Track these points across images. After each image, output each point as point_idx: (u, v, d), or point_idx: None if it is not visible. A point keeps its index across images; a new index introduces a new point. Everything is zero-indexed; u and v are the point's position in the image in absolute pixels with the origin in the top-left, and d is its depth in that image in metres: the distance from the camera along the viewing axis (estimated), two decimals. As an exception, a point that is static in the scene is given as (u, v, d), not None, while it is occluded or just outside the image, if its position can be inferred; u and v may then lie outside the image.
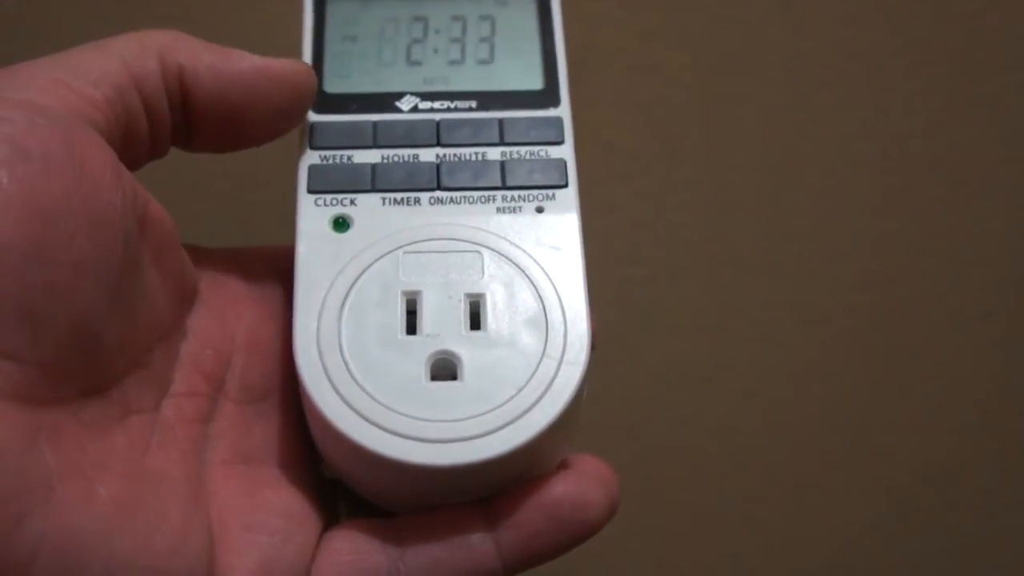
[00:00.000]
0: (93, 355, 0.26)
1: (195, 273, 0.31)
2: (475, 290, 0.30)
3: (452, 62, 0.35)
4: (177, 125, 0.31)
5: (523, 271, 0.30)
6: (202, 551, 0.27)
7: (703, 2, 0.52)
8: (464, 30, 0.36)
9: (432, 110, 0.33)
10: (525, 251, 0.31)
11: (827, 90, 0.54)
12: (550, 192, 0.32)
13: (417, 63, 0.35)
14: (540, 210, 0.32)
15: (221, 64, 0.30)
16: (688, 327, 0.55)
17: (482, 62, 0.35)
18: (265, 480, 0.30)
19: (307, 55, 0.34)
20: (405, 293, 0.30)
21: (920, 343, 0.57)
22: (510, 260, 0.31)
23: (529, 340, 0.29)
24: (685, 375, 0.55)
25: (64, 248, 0.25)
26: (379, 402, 0.28)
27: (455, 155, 0.32)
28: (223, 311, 0.32)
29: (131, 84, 0.29)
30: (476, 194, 0.32)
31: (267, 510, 0.29)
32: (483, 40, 0.35)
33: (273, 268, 0.33)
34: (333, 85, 0.34)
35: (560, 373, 0.29)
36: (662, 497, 0.56)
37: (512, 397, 0.28)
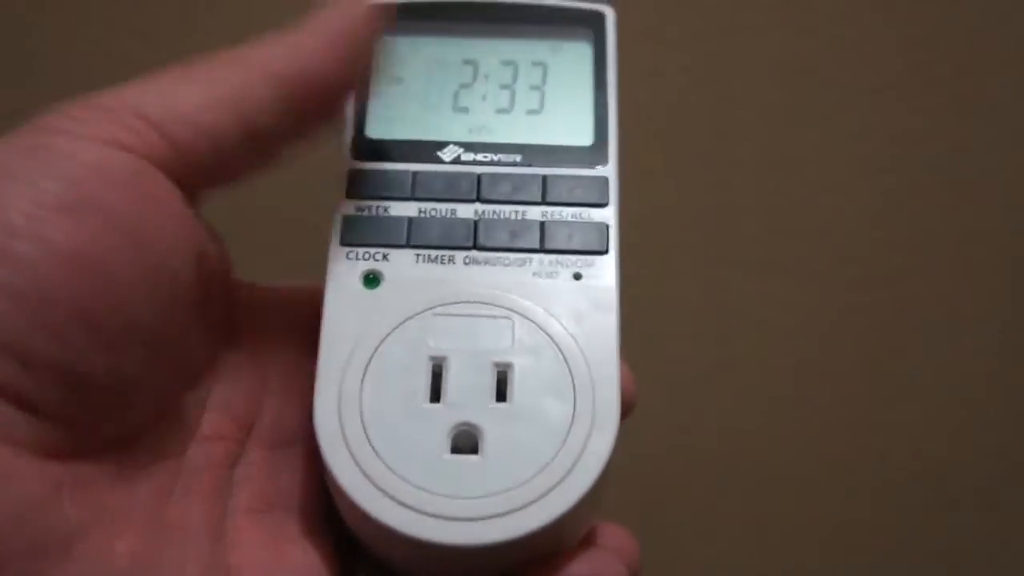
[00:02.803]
0: (125, 411, 0.26)
1: (237, 313, 0.31)
2: (503, 359, 0.29)
3: (500, 110, 0.34)
4: (259, 154, 0.29)
5: (555, 341, 0.29)
6: None
7: (703, 2, 0.51)
8: (515, 76, 0.34)
9: (475, 162, 0.32)
10: (558, 320, 0.30)
11: (827, 90, 0.55)
12: (589, 259, 0.31)
13: (464, 110, 0.34)
14: (577, 276, 0.31)
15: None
16: (688, 327, 0.55)
17: (531, 112, 0.34)
18: (287, 533, 0.30)
19: (351, 96, 0.33)
20: (432, 358, 0.29)
21: (920, 343, 0.58)
22: (542, 329, 0.30)
23: (556, 415, 0.28)
24: (685, 375, 0.55)
25: (113, 312, 0.24)
26: (397, 473, 0.27)
27: (494, 212, 0.31)
28: (260, 353, 0.31)
29: (226, 118, 0.27)
30: (512, 256, 0.31)
31: (288, 568, 0.28)
32: (533, 88, 0.34)
33: (314, 309, 0.33)
34: (376, 130, 0.33)
35: (586, 451, 0.28)
36: (662, 497, 0.56)
37: (535, 475, 0.27)
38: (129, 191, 0.25)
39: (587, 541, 0.30)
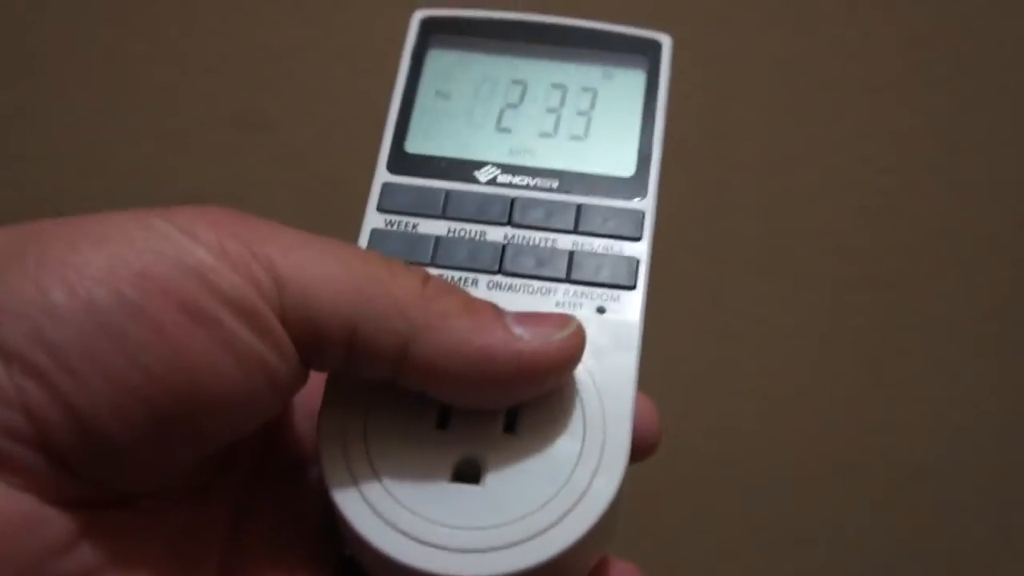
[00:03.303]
0: (161, 475, 0.26)
1: None
2: None
3: (543, 134, 0.33)
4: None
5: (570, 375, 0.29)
6: None
7: (703, 2, 0.50)
8: (563, 100, 0.34)
9: (511, 185, 0.32)
10: None
11: (827, 90, 0.55)
12: (615, 293, 0.30)
13: (507, 130, 0.33)
14: (601, 311, 0.30)
15: None
16: (688, 327, 0.55)
17: (575, 138, 0.33)
18: (293, 561, 0.29)
19: (395, 106, 0.33)
20: None
21: (920, 343, 0.57)
22: None
23: (563, 449, 0.28)
24: (685, 375, 0.55)
25: (195, 421, 0.24)
26: (398, 501, 0.27)
27: (523, 238, 0.31)
28: None
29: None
30: (537, 283, 0.30)
31: None
32: (580, 114, 0.33)
33: None
34: (415, 145, 0.33)
35: (590, 491, 0.27)
36: (662, 497, 0.56)
37: (537, 510, 0.27)
38: (250, 325, 0.24)
39: (599, 571, 0.29)
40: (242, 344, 0.24)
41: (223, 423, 0.25)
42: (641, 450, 0.29)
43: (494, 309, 0.27)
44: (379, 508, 0.27)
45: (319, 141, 0.52)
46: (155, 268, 0.23)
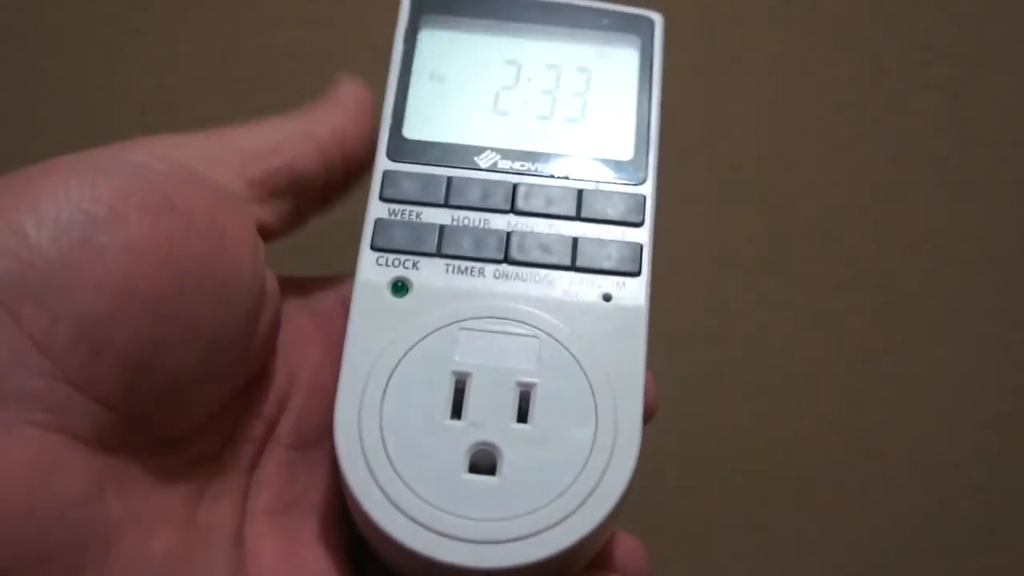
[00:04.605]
0: (180, 410, 0.26)
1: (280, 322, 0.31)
2: (527, 379, 0.29)
3: (540, 117, 0.33)
4: (320, 203, 0.32)
5: (580, 364, 0.29)
6: None
7: (703, 2, 0.51)
8: (558, 81, 0.34)
9: (511, 171, 0.32)
10: (585, 340, 0.30)
11: (827, 90, 0.55)
12: (620, 280, 0.30)
13: (503, 113, 0.33)
14: (607, 298, 0.30)
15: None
16: (688, 327, 0.56)
17: (571, 120, 0.33)
18: (302, 536, 0.30)
19: (391, 90, 0.33)
20: (455, 373, 0.29)
21: (920, 343, 0.58)
22: (568, 351, 0.29)
23: (577, 440, 0.28)
24: (684, 375, 0.56)
25: (187, 309, 0.25)
26: (412, 490, 0.27)
27: (527, 225, 0.31)
28: (288, 351, 0.31)
29: (291, 168, 0.30)
30: (543, 272, 0.30)
31: (301, 572, 0.29)
32: (576, 95, 0.34)
33: (343, 304, 0.33)
34: (413, 130, 0.32)
35: (605, 480, 0.28)
36: (661, 497, 0.57)
37: (553, 500, 0.27)
38: (204, 200, 0.27)
39: (601, 553, 0.30)
40: (201, 215, 0.26)
41: (219, 307, 0.26)
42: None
43: None
44: (396, 499, 0.27)
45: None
46: (106, 180, 0.25)
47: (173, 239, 0.25)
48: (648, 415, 0.30)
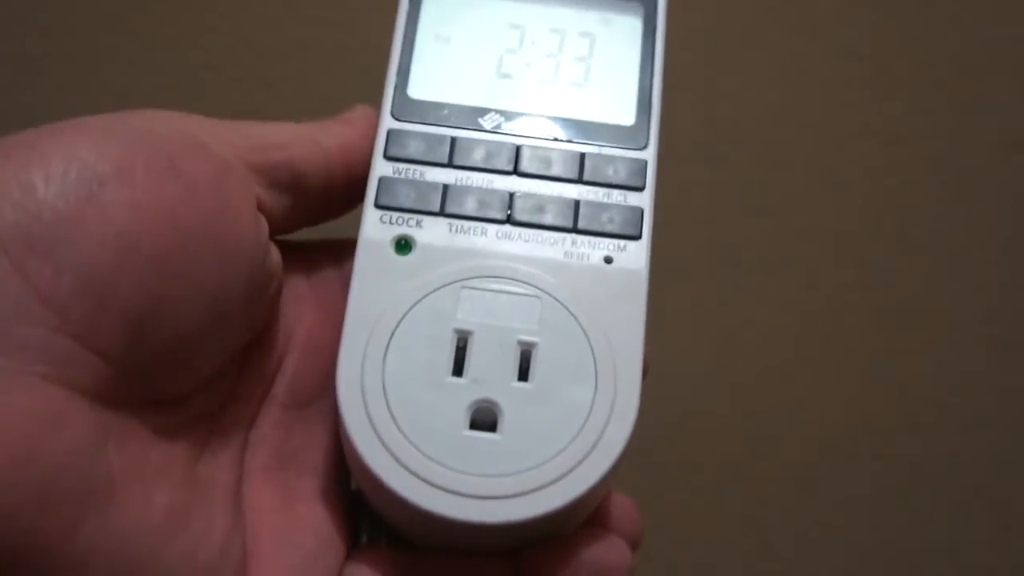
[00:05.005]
0: (181, 368, 0.27)
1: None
2: (528, 338, 0.29)
3: (543, 80, 0.33)
4: (318, 209, 0.32)
5: (581, 325, 0.30)
6: (239, 566, 0.27)
7: (703, 2, 0.51)
8: (561, 46, 0.34)
9: (514, 134, 0.32)
10: (586, 301, 0.30)
11: (827, 90, 0.55)
12: (621, 243, 0.31)
13: (507, 76, 0.33)
14: (608, 260, 0.31)
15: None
16: (688, 327, 0.56)
17: (575, 84, 0.33)
18: (299, 492, 0.30)
19: (396, 50, 0.33)
20: (457, 331, 0.29)
21: (920, 343, 0.58)
22: (569, 311, 0.30)
23: (576, 399, 0.29)
24: (684, 375, 0.56)
25: (189, 267, 0.26)
26: (414, 444, 0.28)
27: (530, 187, 0.31)
28: (284, 310, 0.31)
29: (292, 164, 0.30)
30: (545, 234, 0.31)
31: (299, 527, 0.29)
32: (579, 60, 0.34)
33: (339, 267, 0.33)
34: (417, 90, 0.33)
35: (605, 434, 0.28)
36: (661, 496, 0.57)
37: (552, 457, 0.28)
38: (209, 164, 0.27)
39: (598, 510, 0.30)
40: (205, 178, 0.27)
41: (221, 267, 0.27)
42: None
43: None
44: (397, 453, 0.27)
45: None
46: (113, 140, 0.26)
47: (177, 199, 0.26)
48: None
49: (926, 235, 0.57)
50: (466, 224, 0.31)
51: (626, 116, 0.33)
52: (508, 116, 0.32)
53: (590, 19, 0.34)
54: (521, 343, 0.29)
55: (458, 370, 0.29)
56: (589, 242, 0.31)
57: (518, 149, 0.32)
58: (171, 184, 0.26)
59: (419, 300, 0.29)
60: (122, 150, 0.25)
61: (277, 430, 0.31)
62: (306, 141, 0.31)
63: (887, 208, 0.56)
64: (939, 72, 0.55)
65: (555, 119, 0.32)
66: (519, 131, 0.32)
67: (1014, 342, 0.58)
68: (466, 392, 0.28)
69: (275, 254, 0.30)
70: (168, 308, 0.25)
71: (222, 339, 0.28)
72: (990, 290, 0.58)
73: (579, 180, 0.32)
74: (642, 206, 0.31)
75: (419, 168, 0.31)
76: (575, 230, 0.31)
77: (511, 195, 0.31)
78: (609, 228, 0.31)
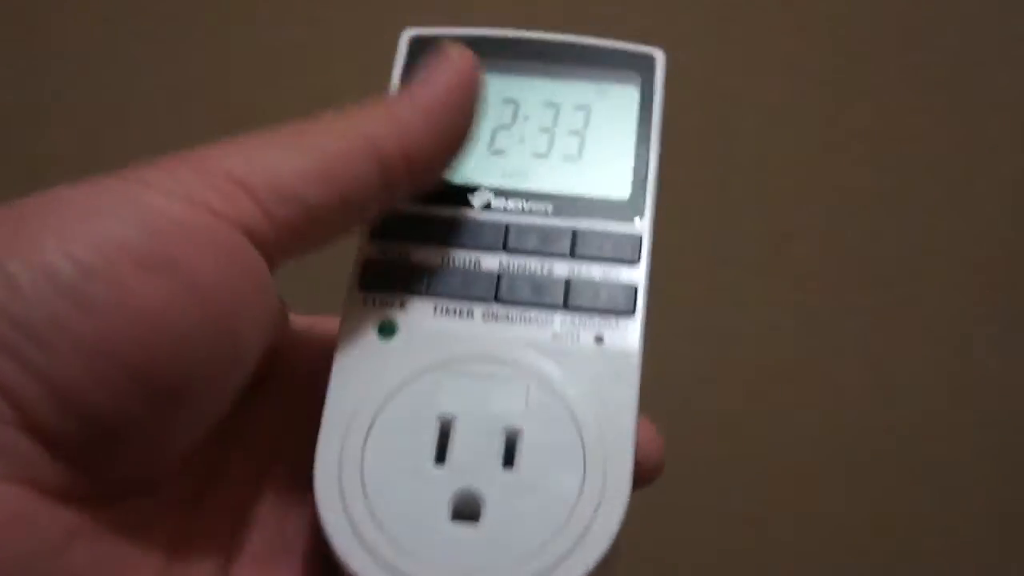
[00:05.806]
0: (155, 459, 0.26)
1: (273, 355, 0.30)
2: (514, 424, 0.28)
3: (536, 155, 0.33)
4: (348, 223, 0.29)
5: (570, 410, 0.28)
6: None
7: (703, 2, 0.51)
8: (555, 119, 0.33)
9: (505, 210, 0.31)
10: (575, 384, 0.29)
11: (827, 90, 0.55)
12: (613, 320, 0.30)
13: (500, 152, 0.33)
14: (599, 339, 0.29)
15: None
16: (687, 327, 0.55)
17: (568, 158, 0.32)
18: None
19: None
20: (440, 417, 0.28)
21: (920, 343, 0.58)
22: (557, 395, 0.28)
23: (564, 487, 0.27)
24: (684, 375, 0.55)
25: (174, 381, 0.24)
26: (392, 538, 0.27)
27: (519, 265, 0.30)
28: (287, 392, 0.31)
29: (327, 192, 0.26)
30: (533, 312, 0.30)
31: None
32: (573, 133, 0.33)
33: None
34: None
35: (591, 530, 0.27)
36: (661, 496, 0.56)
37: (536, 551, 0.26)
38: (214, 257, 0.24)
39: None
40: (207, 276, 0.24)
41: (209, 371, 0.25)
42: (642, 478, 0.29)
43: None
44: (376, 550, 0.26)
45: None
46: (104, 226, 0.23)
47: (169, 301, 0.23)
48: (654, 472, 0.29)
49: (926, 235, 0.57)
50: (452, 305, 0.30)
51: (621, 189, 0.32)
52: (498, 193, 0.32)
53: (586, 91, 0.34)
54: (506, 429, 0.28)
55: (441, 458, 0.28)
56: (579, 320, 0.30)
57: (507, 227, 0.31)
58: (165, 283, 0.23)
59: (401, 386, 0.29)
60: (112, 239, 0.23)
61: (271, 517, 0.29)
62: (357, 156, 0.27)
63: (887, 208, 0.56)
64: (939, 72, 0.55)
65: (547, 195, 0.32)
66: (510, 208, 0.31)
67: (1014, 342, 0.57)
68: (448, 481, 0.27)
69: (281, 321, 0.28)
70: (144, 415, 0.24)
71: (193, 430, 0.26)
72: (990, 290, 0.57)
73: (570, 255, 0.31)
74: (636, 281, 0.30)
75: (405, 248, 0.31)
76: (565, 307, 0.30)
77: (499, 275, 0.30)
78: (600, 304, 0.30)
